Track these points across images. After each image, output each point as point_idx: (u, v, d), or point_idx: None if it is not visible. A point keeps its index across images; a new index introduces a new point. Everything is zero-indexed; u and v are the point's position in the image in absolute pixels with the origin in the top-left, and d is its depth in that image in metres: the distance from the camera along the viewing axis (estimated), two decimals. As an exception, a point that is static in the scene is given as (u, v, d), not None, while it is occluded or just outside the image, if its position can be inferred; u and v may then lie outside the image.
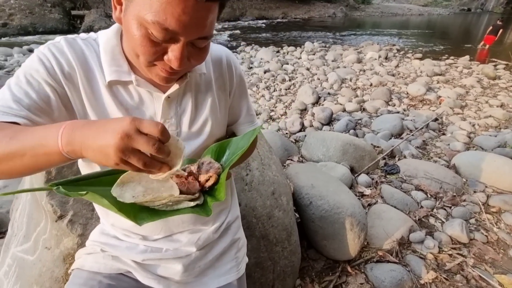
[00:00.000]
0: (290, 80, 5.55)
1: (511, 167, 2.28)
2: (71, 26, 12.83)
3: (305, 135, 3.11)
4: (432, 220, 1.97)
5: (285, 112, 4.08)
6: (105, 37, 0.54)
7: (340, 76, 5.44)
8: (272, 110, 4.22)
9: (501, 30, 9.43)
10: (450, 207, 2.08)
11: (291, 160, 2.66)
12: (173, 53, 0.46)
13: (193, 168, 0.53)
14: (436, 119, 3.64)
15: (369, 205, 2.07)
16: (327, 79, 5.41)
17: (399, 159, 2.66)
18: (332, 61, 7.11)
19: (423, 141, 3.07)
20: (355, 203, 1.63)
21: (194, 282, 0.69)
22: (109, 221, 0.64)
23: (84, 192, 0.43)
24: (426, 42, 11.08)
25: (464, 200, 2.15)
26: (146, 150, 0.37)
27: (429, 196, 2.18)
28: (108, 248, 0.64)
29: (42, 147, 0.39)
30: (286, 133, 3.39)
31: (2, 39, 10.30)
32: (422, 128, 3.35)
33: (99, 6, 15.96)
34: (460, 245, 1.78)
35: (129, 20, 0.45)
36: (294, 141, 3.16)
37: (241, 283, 0.76)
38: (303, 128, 3.45)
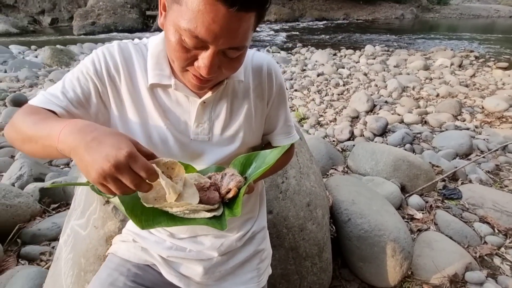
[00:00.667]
0: (344, 85, 5.30)
1: None
2: (145, 25, 14.26)
3: (354, 145, 2.93)
4: (497, 261, 1.67)
5: (335, 119, 3.91)
6: (154, 43, 0.58)
7: (401, 83, 5.00)
8: (321, 115, 4.08)
9: None
10: (524, 249, 1.74)
11: (335, 169, 2.53)
12: (202, 60, 0.47)
13: (217, 178, 0.53)
14: (517, 141, 3.09)
15: (419, 230, 1.86)
16: (386, 86, 5.02)
17: (462, 183, 2.33)
18: (394, 66, 6.57)
19: (497, 165, 2.64)
20: (400, 227, 1.48)
21: (213, 286, 0.70)
22: None
23: (113, 196, 0.45)
24: (514, 49, 9.49)
25: (545, 243, 1.78)
26: (128, 184, 0.38)
27: (496, 231, 1.86)
28: (139, 239, 0.69)
29: (48, 138, 0.43)
30: (333, 141, 3.25)
31: (90, 36, 11.96)
32: (497, 150, 2.87)
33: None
34: (533, 296, 1.48)
35: (168, 26, 0.48)
36: (341, 150, 3.01)
37: (261, 294, 0.74)
38: (352, 137, 3.27)
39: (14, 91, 4.65)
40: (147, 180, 0.40)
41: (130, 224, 0.73)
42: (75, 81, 0.55)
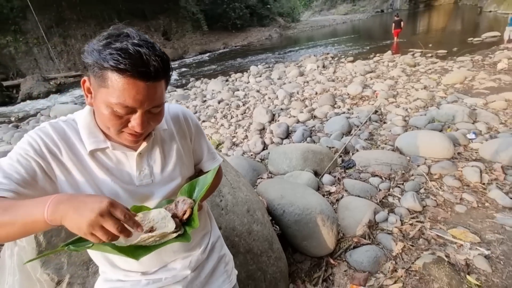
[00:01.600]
0: (244, 104, 5.86)
1: (440, 138, 2.71)
2: (7, 97, 12.08)
3: (269, 153, 3.33)
4: (390, 199, 2.25)
5: (246, 136, 4.30)
6: (81, 117, 0.68)
7: (287, 91, 5.90)
8: (234, 136, 4.42)
9: (402, 23, 11.40)
10: (403, 184, 2.39)
11: (261, 178, 2.83)
12: (135, 121, 0.61)
13: (171, 208, 0.68)
14: (376, 112, 4.14)
15: (337, 200, 2.31)
16: (277, 97, 5.82)
17: (352, 154, 2.99)
18: (278, 79, 7.66)
19: (369, 133, 3.48)
20: (321, 202, 1.84)
21: (195, 301, 0.80)
22: (109, 264, 0.74)
23: (91, 244, 0.55)
24: (354, 46, 12.45)
25: (412, 175, 2.49)
26: (111, 230, 0.50)
27: (383, 179, 2.49)
28: (115, 290, 0.74)
29: (30, 217, 0.50)
30: (251, 155, 3.59)
31: None
32: (366, 122, 3.79)
33: (34, 71, 15.34)
34: (417, 213, 2.06)
35: (99, 104, 0.60)
36: (260, 160, 3.36)
37: (235, 291, 0.89)
38: (265, 146, 3.68)
39: None
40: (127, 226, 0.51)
41: (102, 284, 0.76)
42: (16, 164, 0.59)
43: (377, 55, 8.78)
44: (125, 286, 0.75)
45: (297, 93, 5.93)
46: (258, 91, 6.72)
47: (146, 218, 0.62)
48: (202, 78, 9.76)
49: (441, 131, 3.14)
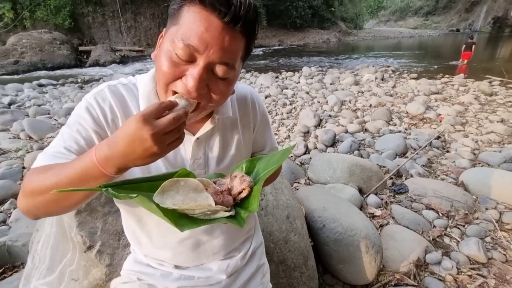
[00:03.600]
0: (290, 104, 5.69)
1: (519, 182, 2.29)
2: (78, 61, 13.39)
3: (310, 158, 3.14)
4: (447, 240, 1.94)
5: (289, 136, 4.14)
6: (143, 82, 0.60)
7: (339, 98, 5.59)
8: (276, 134, 4.29)
9: (473, 46, 10.38)
10: (464, 226, 2.06)
11: (298, 183, 2.67)
12: (191, 74, 0.48)
13: (224, 182, 0.56)
14: (438, 137, 3.69)
15: (381, 226, 2.06)
16: (327, 102, 5.55)
17: (406, 178, 2.67)
18: (330, 84, 7.33)
19: (428, 159, 3.10)
20: (368, 225, 1.63)
21: (223, 310, 0.70)
22: (142, 251, 0.67)
23: (135, 195, 0.44)
24: (419, 62, 11.46)
25: (477, 218, 2.13)
26: (174, 123, 0.42)
27: (440, 215, 2.16)
28: (144, 276, 0.66)
29: (90, 177, 0.44)
30: (291, 156, 3.43)
31: (14, 76, 10.72)
32: (426, 146, 3.39)
33: (104, 41, 16.81)
34: (479, 265, 1.74)
35: (161, 53, 0.51)
36: (299, 164, 3.19)
37: (267, 309, 0.76)
38: (307, 150, 3.50)
39: None
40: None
41: (130, 264, 0.70)
42: (75, 133, 0.55)
43: (446, 76, 7.93)
44: (155, 274, 0.66)
45: (349, 102, 5.59)
46: (307, 92, 6.49)
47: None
48: (252, 71, 9.76)
49: (519, 174, 2.66)
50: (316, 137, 3.82)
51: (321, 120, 4.55)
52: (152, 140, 0.40)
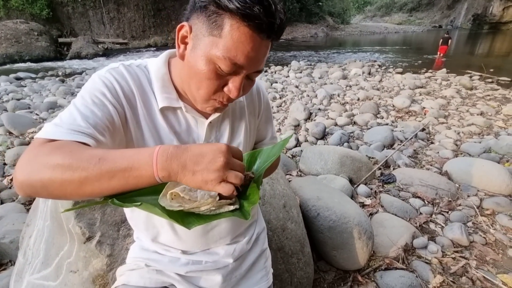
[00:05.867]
0: (280, 97, 5.71)
1: (498, 171, 2.42)
2: (58, 53, 12.85)
3: (301, 150, 3.18)
4: (432, 226, 2.04)
5: (279, 129, 4.17)
6: (155, 66, 0.59)
7: (328, 92, 5.66)
8: (266, 127, 4.31)
9: (450, 41, 11.10)
10: (448, 212, 2.16)
11: (290, 174, 2.71)
12: (233, 84, 0.52)
13: None
14: (423, 129, 3.82)
15: (371, 214, 2.13)
16: (316, 96, 5.60)
17: (394, 169, 2.76)
18: (319, 78, 7.40)
19: (414, 150, 3.21)
20: (360, 213, 1.69)
21: (230, 292, 0.71)
22: (149, 236, 0.67)
23: (139, 203, 0.45)
24: (404, 57, 11.74)
25: (460, 205, 2.24)
26: (235, 181, 0.44)
27: (426, 202, 2.26)
28: (151, 262, 0.67)
29: (134, 170, 0.41)
30: (283, 149, 3.46)
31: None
32: (412, 138, 3.50)
33: (86, 33, 16.18)
34: (462, 248, 1.84)
35: (197, 57, 0.50)
36: (291, 156, 3.23)
37: (270, 292, 0.78)
38: (298, 143, 3.54)
39: None
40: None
41: (136, 251, 0.70)
42: (92, 106, 0.50)
43: (429, 71, 8.18)
44: (163, 260, 0.67)
45: (338, 95, 5.67)
46: (297, 86, 6.53)
47: None
48: (241, 65, 9.69)
49: (498, 163, 2.81)
50: (307, 130, 3.87)
51: (311, 113, 4.60)
52: (223, 159, 0.42)
